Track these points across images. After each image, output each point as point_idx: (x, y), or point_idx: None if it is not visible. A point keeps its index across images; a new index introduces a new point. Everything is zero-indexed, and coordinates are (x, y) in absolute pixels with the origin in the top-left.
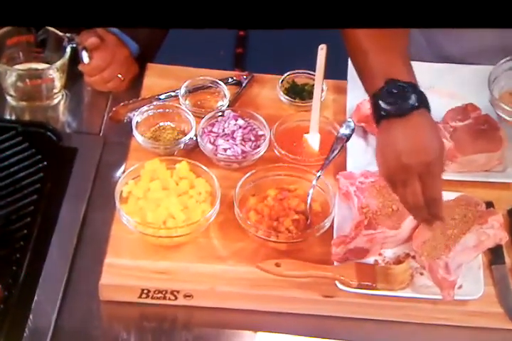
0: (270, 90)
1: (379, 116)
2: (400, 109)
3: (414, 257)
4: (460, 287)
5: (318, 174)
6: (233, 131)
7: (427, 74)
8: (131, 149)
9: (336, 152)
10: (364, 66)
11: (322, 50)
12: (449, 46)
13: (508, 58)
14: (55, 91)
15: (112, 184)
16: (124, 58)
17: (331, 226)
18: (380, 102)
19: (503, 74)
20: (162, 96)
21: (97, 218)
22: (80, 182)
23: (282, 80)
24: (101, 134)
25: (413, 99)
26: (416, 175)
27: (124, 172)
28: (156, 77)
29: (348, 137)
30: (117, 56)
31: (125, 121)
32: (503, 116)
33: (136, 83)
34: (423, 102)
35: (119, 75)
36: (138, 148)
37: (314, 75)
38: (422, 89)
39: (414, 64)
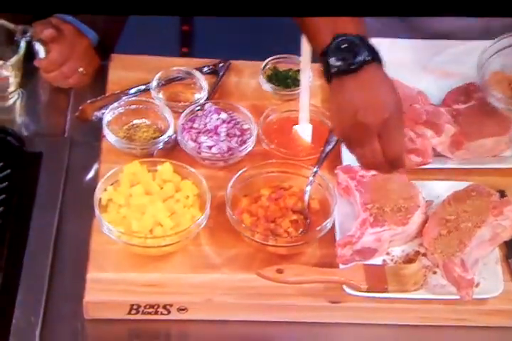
0: (250, 78)
1: (329, 73)
2: (350, 65)
3: (424, 254)
4: (477, 285)
5: (314, 169)
6: (216, 126)
7: (418, 53)
8: (103, 151)
9: (332, 144)
10: (309, 23)
11: None
12: (430, 24)
13: (505, 35)
14: (10, 90)
15: (84, 190)
16: (84, 50)
17: (333, 225)
18: (330, 60)
19: (498, 53)
20: (132, 91)
21: (73, 229)
22: (48, 190)
23: (264, 67)
24: (66, 135)
25: (363, 54)
26: (375, 133)
27: (97, 176)
28: (122, 69)
29: None
30: (77, 48)
31: (93, 120)
32: (495, 103)
33: (99, 77)
34: (374, 56)
35: (80, 69)
36: (111, 150)
37: (296, 60)
38: (415, 69)
39: (400, 41)
